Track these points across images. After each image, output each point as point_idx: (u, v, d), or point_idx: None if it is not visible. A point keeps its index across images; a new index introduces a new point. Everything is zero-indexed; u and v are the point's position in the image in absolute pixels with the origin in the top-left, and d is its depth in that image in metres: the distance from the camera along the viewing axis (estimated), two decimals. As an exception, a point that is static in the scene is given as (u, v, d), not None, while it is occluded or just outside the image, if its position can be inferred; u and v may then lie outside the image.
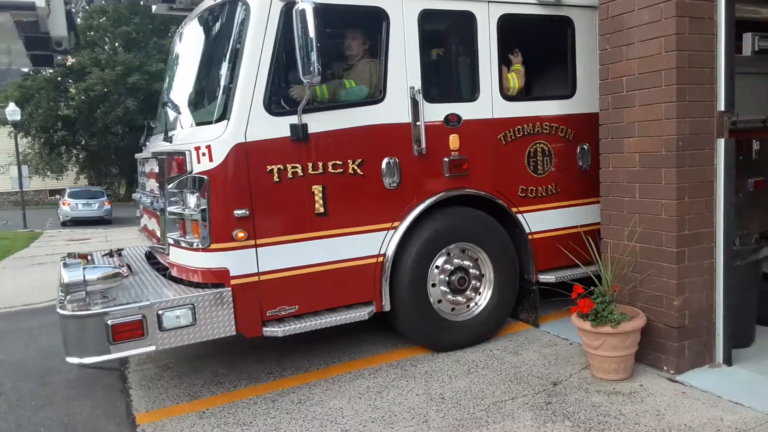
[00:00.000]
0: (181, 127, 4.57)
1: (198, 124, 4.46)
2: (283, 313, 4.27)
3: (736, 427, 3.43)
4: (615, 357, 4.14)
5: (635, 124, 4.39)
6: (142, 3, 32.71)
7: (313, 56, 3.82)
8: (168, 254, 4.45)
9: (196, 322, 3.96)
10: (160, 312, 3.86)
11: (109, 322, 3.73)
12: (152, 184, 4.89)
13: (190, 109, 4.74)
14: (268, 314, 4.21)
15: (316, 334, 4.41)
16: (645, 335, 4.24)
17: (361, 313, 4.47)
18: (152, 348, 3.87)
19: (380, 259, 4.55)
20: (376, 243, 4.55)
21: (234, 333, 4.11)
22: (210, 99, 4.60)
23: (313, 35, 3.81)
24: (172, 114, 4.85)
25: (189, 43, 5.17)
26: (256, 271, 4.15)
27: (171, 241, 4.36)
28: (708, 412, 3.64)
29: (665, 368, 4.24)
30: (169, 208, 4.31)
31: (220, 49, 4.57)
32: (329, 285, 4.40)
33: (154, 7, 5.65)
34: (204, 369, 4.90)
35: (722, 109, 4.25)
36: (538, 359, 4.66)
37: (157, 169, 4.59)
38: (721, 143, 4.24)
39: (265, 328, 4.21)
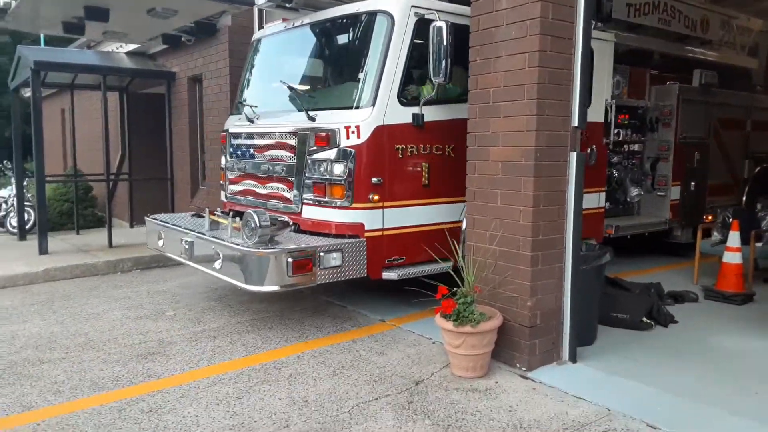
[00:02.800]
0: (308, 110, 5.44)
1: (341, 108, 5.34)
2: (396, 262, 5.40)
3: (579, 421, 3.69)
4: (474, 355, 4.31)
5: (499, 134, 4.60)
6: None
7: (444, 63, 4.99)
8: (300, 212, 5.52)
9: (343, 264, 5.02)
10: (321, 254, 4.93)
11: (289, 259, 4.77)
12: (275, 154, 5.81)
13: (330, 97, 5.77)
14: (386, 262, 5.33)
15: (171, 341, 4.12)
16: (501, 334, 4.46)
17: (446, 266, 5.05)
18: (315, 282, 4.93)
19: (458, 224, 5.62)
20: (457, 212, 5.64)
21: (365, 275, 5.20)
22: (352, 89, 5.45)
23: (446, 46, 4.96)
24: (285, 98, 5.90)
25: (314, 43, 6.22)
26: (381, 227, 5.28)
27: (309, 201, 5.42)
28: (555, 407, 3.89)
29: (518, 365, 4.48)
30: (311, 174, 5.37)
31: (363, 49, 5.47)
32: (427, 242, 5.46)
33: (259, 1, 6.13)
34: (42, 377, 4.41)
35: (575, 125, 4.58)
36: (403, 359, 4.73)
37: (292, 142, 5.59)
38: (573, 156, 4.56)
39: (384, 273, 5.32)
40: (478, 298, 4.51)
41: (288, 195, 5.65)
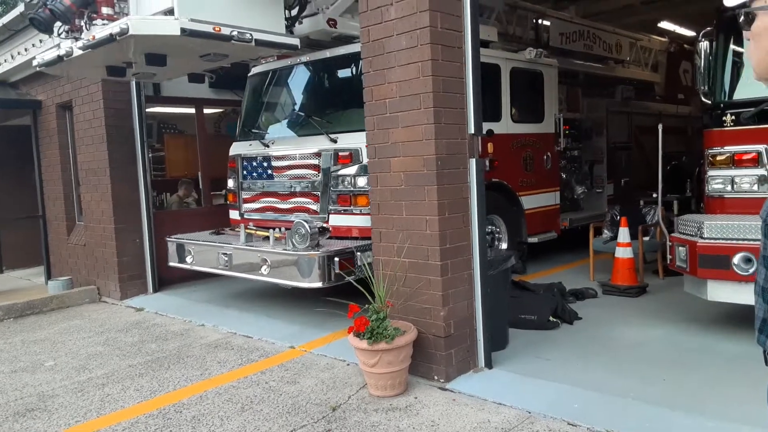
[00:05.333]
0: (329, 133, 6.10)
1: (359, 131, 5.27)
2: None
3: (502, 428, 3.63)
4: (390, 372, 4.15)
5: (399, 144, 4.53)
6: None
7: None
8: (327, 220, 6.13)
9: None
10: (359, 252, 5.61)
11: (336, 258, 5.48)
12: (298, 173, 6.46)
13: (348, 121, 6.09)
14: None
15: (52, 395, 3.60)
16: (417, 348, 4.34)
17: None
18: (356, 276, 5.24)
19: None
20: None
21: None
22: None
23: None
24: (299, 124, 6.77)
25: (325, 76, 6.95)
26: None
27: (335, 211, 6.06)
28: (477, 415, 3.81)
29: (436, 378, 4.37)
30: (336, 188, 6.04)
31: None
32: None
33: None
34: None
35: (472, 132, 4.60)
36: (317, 385, 4.48)
37: (315, 161, 6.28)
38: (472, 163, 4.58)
39: None
40: (391, 312, 4.37)
41: (314, 207, 6.35)
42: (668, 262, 5.44)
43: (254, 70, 7.39)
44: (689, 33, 13.12)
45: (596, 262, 7.37)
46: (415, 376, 4.42)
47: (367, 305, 4.27)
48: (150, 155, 8.22)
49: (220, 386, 4.57)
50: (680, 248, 5.15)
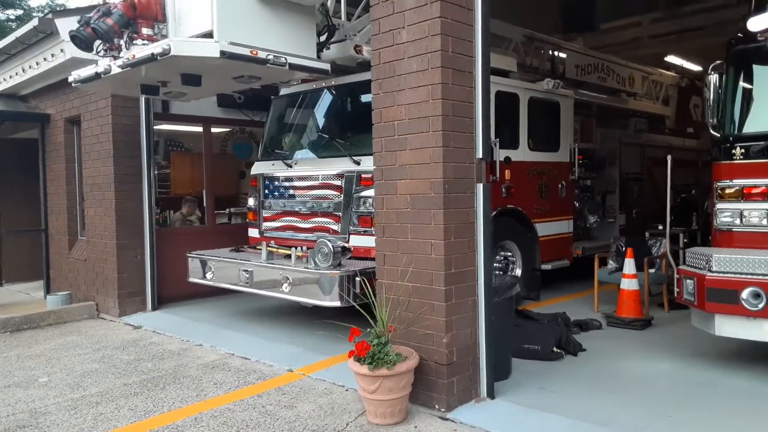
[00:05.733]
0: (353, 156, 6.28)
1: None
2: None
3: (504, 460, 3.52)
4: (391, 400, 4.04)
5: (406, 167, 4.49)
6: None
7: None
8: (348, 240, 6.19)
9: None
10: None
11: (357, 278, 5.53)
12: (320, 193, 6.59)
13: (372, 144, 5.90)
14: None
15: (45, 412, 3.51)
16: (418, 375, 4.23)
17: None
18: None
19: None
20: None
21: None
22: None
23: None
24: (321, 146, 6.95)
25: (348, 100, 7.15)
26: None
27: (356, 231, 6.17)
28: (478, 447, 3.70)
29: (437, 406, 4.27)
30: (358, 209, 6.18)
31: None
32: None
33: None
34: None
35: (480, 156, 4.57)
36: (314, 410, 4.37)
37: (338, 182, 6.42)
38: (479, 188, 4.53)
39: None
40: (393, 337, 4.29)
41: (335, 227, 6.43)
42: (675, 294, 5.35)
43: (280, 93, 7.58)
44: (695, 67, 13.35)
45: (600, 293, 7.27)
46: (415, 404, 4.31)
47: (368, 329, 4.19)
48: (155, 172, 8.21)
49: (216, 408, 4.47)
50: (688, 281, 5.07)
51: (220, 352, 6.00)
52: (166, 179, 9.66)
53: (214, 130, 9.40)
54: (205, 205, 9.07)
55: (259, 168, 7.42)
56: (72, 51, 7.50)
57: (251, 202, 7.48)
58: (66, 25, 7.46)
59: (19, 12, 27.15)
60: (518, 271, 7.46)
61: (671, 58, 13.11)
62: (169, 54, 4.83)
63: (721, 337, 4.87)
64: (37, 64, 8.34)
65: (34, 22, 7.75)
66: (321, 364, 5.33)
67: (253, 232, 7.48)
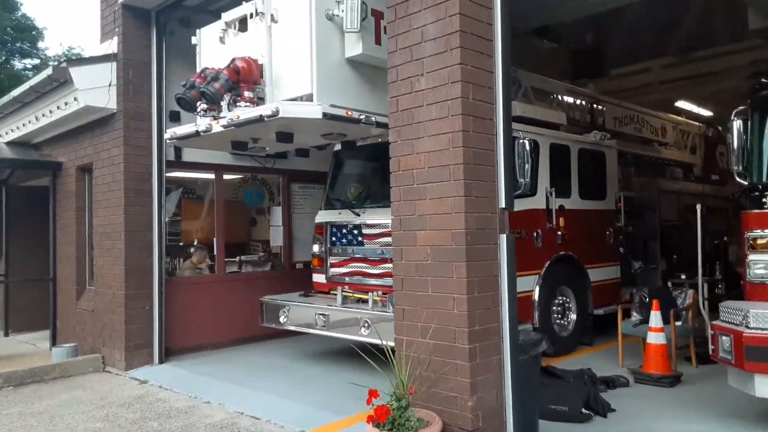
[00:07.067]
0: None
1: None
2: None
3: None
4: (412, 469, 3.75)
5: (426, 217, 4.33)
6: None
7: (527, 167, 6.18)
8: None
9: None
10: None
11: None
12: (388, 240, 5.99)
13: None
14: None
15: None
16: (441, 441, 3.96)
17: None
18: None
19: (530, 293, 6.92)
20: (530, 283, 6.97)
21: None
22: None
23: (529, 157, 6.20)
24: (386, 195, 6.63)
25: None
26: None
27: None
28: None
29: (461, 475, 3.97)
30: None
31: None
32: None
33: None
34: None
35: (503, 206, 4.40)
36: (329, 478, 4.07)
37: None
38: (503, 239, 4.35)
39: None
40: (413, 399, 4.02)
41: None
42: (711, 352, 5.05)
43: (338, 146, 7.76)
44: (705, 112, 13.44)
45: (624, 346, 6.95)
46: (439, 472, 4.01)
47: (388, 392, 3.93)
48: (166, 220, 8.09)
49: (224, 475, 4.19)
50: (724, 338, 4.79)
51: (228, 410, 5.72)
52: (176, 226, 9.53)
53: (226, 177, 9.32)
54: (215, 252, 8.91)
55: (324, 216, 7.63)
56: (86, 100, 7.54)
57: (316, 248, 7.66)
58: (80, 74, 7.52)
59: (36, 61, 27.76)
60: (573, 317, 7.68)
61: (681, 104, 13.17)
62: (278, 116, 5.25)
63: (763, 398, 4.56)
64: (50, 112, 8.34)
65: (48, 71, 7.78)
66: (336, 425, 5.04)
67: (318, 278, 7.65)
